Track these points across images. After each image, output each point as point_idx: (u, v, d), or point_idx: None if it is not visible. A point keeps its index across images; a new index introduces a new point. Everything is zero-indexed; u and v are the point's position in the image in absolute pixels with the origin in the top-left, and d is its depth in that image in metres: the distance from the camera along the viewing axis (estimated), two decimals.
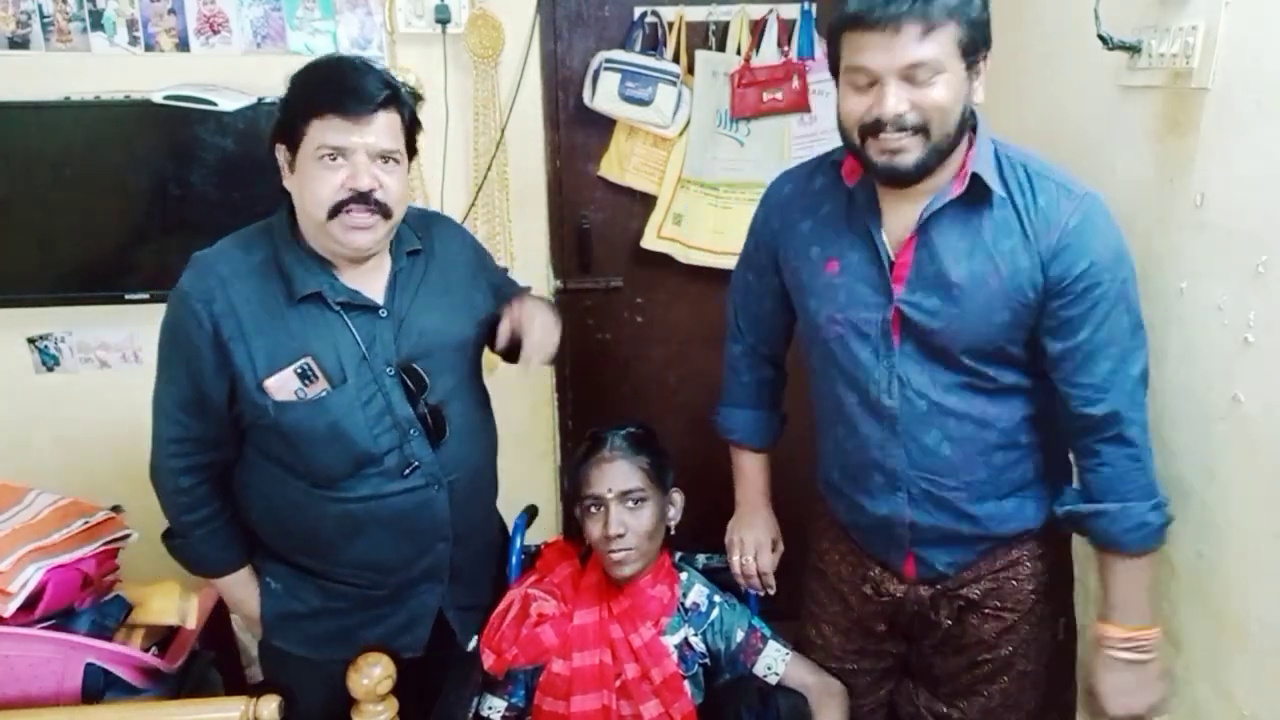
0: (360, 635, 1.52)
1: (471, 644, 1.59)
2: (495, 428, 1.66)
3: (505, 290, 1.62)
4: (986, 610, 1.44)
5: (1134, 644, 1.33)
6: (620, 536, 1.51)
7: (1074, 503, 1.34)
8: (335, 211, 1.32)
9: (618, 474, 1.54)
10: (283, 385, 1.38)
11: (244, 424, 1.43)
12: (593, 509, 1.55)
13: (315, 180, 1.32)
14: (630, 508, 1.53)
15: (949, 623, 1.46)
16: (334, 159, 1.32)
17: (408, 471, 1.44)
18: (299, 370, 1.38)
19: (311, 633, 1.54)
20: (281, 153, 1.37)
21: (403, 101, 1.37)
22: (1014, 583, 1.42)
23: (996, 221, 1.26)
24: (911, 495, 1.38)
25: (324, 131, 1.31)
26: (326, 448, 1.41)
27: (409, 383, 1.43)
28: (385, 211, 1.35)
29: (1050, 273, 1.24)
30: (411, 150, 1.43)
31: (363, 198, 1.32)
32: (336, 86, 1.32)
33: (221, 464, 1.48)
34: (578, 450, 1.63)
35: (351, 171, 1.32)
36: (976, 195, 1.25)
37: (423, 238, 1.51)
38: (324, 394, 1.39)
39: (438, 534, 1.50)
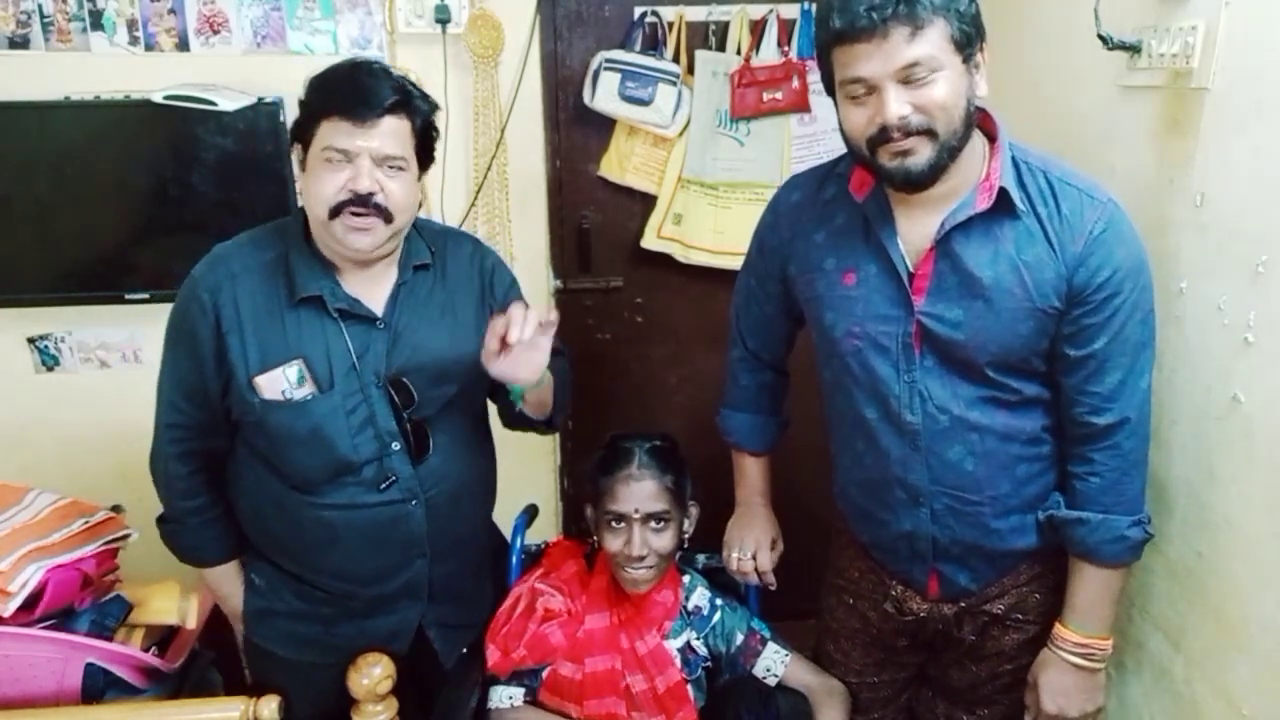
0: (339, 641, 1.51)
1: (453, 661, 1.59)
2: (492, 450, 1.64)
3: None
4: (1009, 623, 1.44)
5: (1086, 651, 1.34)
6: (642, 558, 1.51)
7: (1057, 507, 1.34)
8: (336, 211, 1.33)
9: (645, 495, 1.52)
10: (271, 384, 1.39)
11: (233, 418, 1.44)
12: (614, 524, 1.53)
13: (318, 180, 1.34)
14: (655, 529, 1.52)
15: (972, 638, 1.46)
16: (338, 160, 1.33)
17: (384, 485, 1.44)
18: (289, 372, 1.39)
19: (290, 632, 1.54)
20: (296, 151, 1.39)
21: (414, 109, 1.37)
22: (1037, 596, 1.42)
23: (1019, 231, 1.24)
24: (934, 511, 1.37)
25: (331, 133, 1.32)
26: (306, 451, 1.41)
27: (395, 396, 1.43)
28: (386, 215, 1.35)
29: (1075, 280, 1.23)
30: (426, 158, 1.42)
31: (362, 200, 1.33)
32: (346, 89, 1.33)
33: (217, 453, 1.49)
34: (597, 454, 1.60)
35: (353, 174, 1.32)
36: (999, 206, 1.24)
37: (435, 253, 1.50)
38: (310, 397, 1.39)
39: (414, 549, 1.49)
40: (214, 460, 1.50)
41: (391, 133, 1.34)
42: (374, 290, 1.44)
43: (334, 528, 1.45)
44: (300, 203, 1.43)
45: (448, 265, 1.52)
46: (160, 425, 1.47)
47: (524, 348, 1.33)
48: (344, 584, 1.50)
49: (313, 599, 1.52)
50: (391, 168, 1.35)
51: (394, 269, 1.46)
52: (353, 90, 1.33)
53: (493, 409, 1.65)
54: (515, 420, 1.58)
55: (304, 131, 1.36)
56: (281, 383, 1.39)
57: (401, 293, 1.46)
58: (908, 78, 1.15)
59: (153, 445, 1.49)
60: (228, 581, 1.56)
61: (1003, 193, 1.23)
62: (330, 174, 1.33)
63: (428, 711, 1.54)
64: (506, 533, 1.77)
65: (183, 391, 1.44)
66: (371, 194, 1.33)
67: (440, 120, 2.19)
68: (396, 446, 1.44)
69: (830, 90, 1.25)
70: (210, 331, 1.39)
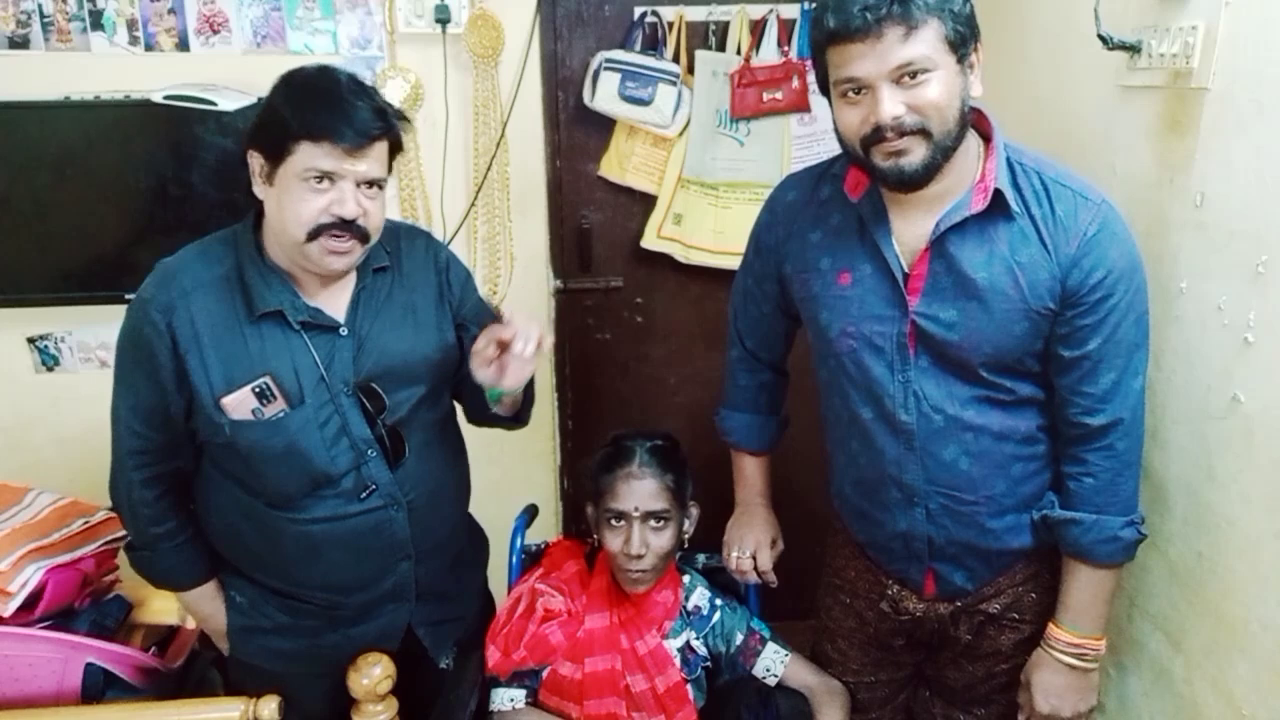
0: (326, 651, 1.50)
1: (444, 662, 1.59)
2: (462, 444, 1.64)
3: (472, 322, 1.52)
4: (1005, 623, 1.44)
5: (1079, 651, 1.35)
6: (640, 557, 1.51)
7: (1050, 508, 1.35)
8: (315, 234, 1.30)
9: (645, 493, 1.53)
10: (240, 404, 1.36)
11: (199, 439, 1.41)
12: (614, 522, 1.54)
13: (299, 201, 1.29)
14: (654, 527, 1.53)
15: (968, 637, 1.46)
16: (320, 182, 1.29)
17: (365, 494, 1.42)
18: (257, 390, 1.36)
19: (276, 648, 1.52)
20: (256, 159, 1.33)
21: (393, 129, 1.35)
22: (1033, 595, 1.42)
23: (1014, 232, 1.24)
24: (930, 511, 1.37)
25: (315, 155, 1.28)
26: (282, 467, 1.38)
27: (366, 403, 1.41)
28: (364, 237, 1.34)
29: (1069, 282, 1.23)
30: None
31: (345, 224, 1.30)
32: (335, 113, 1.28)
33: (182, 474, 1.47)
34: (599, 452, 1.61)
35: (338, 198, 1.29)
36: (994, 207, 1.24)
37: (391, 253, 1.48)
38: (281, 414, 1.36)
39: (399, 553, 1.48)
40: (179, 482, 1.47)
41: (376, 156, 1.32)
42: (334, 298, 1.42)
43: (316, 541, 1.43)
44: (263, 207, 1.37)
45: (403, 264, 1.50)
46: (122, 453, 1.43)
47: (516, 360, 1.33)
48: (329, 594, 1.48)
49: (297, 612, 1.50)
50: (371, 188, 1.33)
51: (353, 274, 1.43)
52: (343, 115, 1.28)
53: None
54: (483, 417, 1.57)
55: (277, 144, 1.29)
56: (250, 401, 1.36)
57: (362, 298, 1.43)
58: (902, 78, 1.15)
59: (112, 475, 1.45)
60: (206, 602, 1.53)
61: (997, 194, 1.23)
62: (313, 196, 1.29)
63: (421, 709, 1.54)
64: (502, 531, 1.77)
65: (142, 416, 1.40)
66: (355, 218, 1.31)
67: (440, 120, 2.23)
68: (372, 453, 1.42)
69: (825, 90, 1.25)
70: (168, 353, 1.35)
